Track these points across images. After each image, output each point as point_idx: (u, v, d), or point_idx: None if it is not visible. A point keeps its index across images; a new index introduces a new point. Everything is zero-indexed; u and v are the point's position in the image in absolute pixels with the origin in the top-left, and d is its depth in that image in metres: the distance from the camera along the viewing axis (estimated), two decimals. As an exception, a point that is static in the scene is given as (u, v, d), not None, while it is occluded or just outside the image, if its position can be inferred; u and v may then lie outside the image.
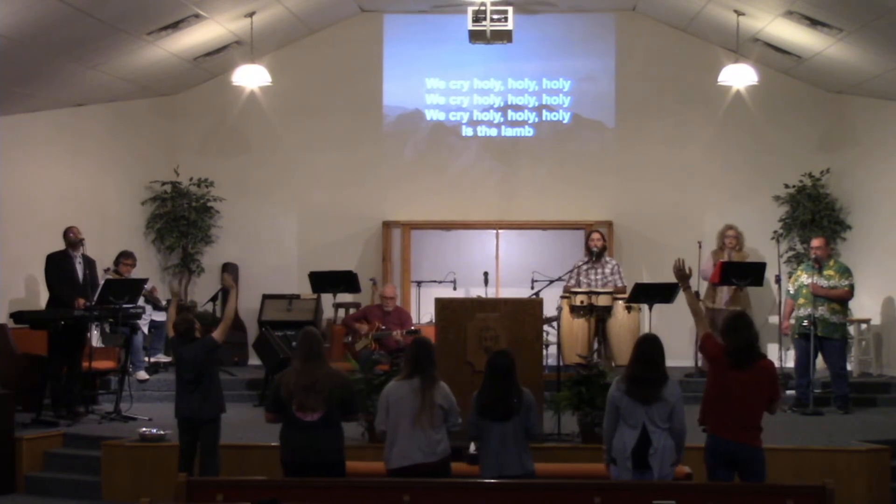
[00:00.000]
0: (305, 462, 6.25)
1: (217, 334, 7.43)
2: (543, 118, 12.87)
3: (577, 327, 10.56)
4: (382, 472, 6.55)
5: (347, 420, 6.54)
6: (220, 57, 11.87)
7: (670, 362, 12.02)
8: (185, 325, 7.44)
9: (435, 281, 11.91)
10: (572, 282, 10.91)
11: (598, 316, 10.44)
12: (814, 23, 10.11)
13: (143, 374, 10.76)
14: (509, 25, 11.13)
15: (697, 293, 10.87)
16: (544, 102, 12.87)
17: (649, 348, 6.18)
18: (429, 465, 6.17)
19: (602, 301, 10.50)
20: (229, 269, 12.59)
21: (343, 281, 11.18)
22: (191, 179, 12.71)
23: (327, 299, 11.67)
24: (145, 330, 10.96)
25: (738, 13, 10.78)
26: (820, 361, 10.11)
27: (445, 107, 12.91)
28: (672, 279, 10.11)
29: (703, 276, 11.06)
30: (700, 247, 11.18)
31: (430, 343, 6.62)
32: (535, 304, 8.46)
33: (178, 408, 7.42)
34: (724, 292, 10.92)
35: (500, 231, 12.76)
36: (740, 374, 6.02)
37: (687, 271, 6.66)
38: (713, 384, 6.19)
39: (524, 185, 12.86)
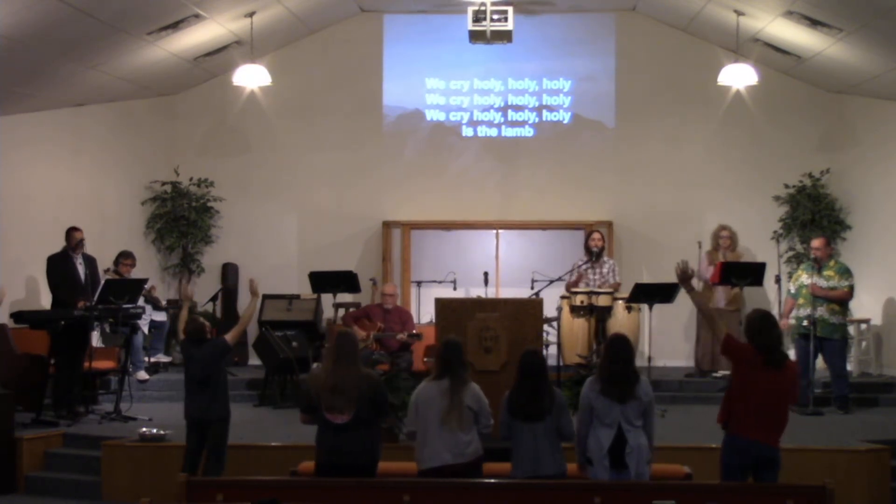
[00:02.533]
0: (337, 464, 6.20)
1: (229, 336, 7.44)
2: (543, 118, 12.87)
3: (577, 327, 10.56)
4: (388, 472, 6.60)
5: (380, 421, 6.49)
6: (220, 57, 11.88)
7: (670, 362, 12.10)
8: (196, 325, 7.45)
9: (435, 281, 11.92)
10: (573, 278, 10.89)
11: (598, 316, 10.44)
12: (814, 23, 10.11)
13: (143, 374, 10.77)
14: (509, 25, 11.13)
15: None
16: (544, 102, 12.86)
17: (621, 348, 6.20)
18: (458, 466, 6.15)
19: (602, 301, 10.50)
20: (229, 269, 12.61)
21: (343, 281, 11.17)
22: (191, 179, 12.71)
23: (327, 299, 11.65)
24: (145, 330, 10.96)
25: (738, 13, 10.78)
26: (820, 361, 10.11)
27: (445, 107, 12.91)
28: (671, 279, 10.21)
29: (699, 276, 11.06)
30: (700, 247, 11.21)
31: (460, 344, 6.54)
32: (535, 304, 8.46)
33: (188, 408, 7.43)
34: (720, 292, 10.92)
35: (500, 231, 12.76)
36: (772, 373, 5.98)
37: (690, 273, 6.64)
38: (740, 384, 6.09)
39: (524, 185, 12.86)
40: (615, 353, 6.18)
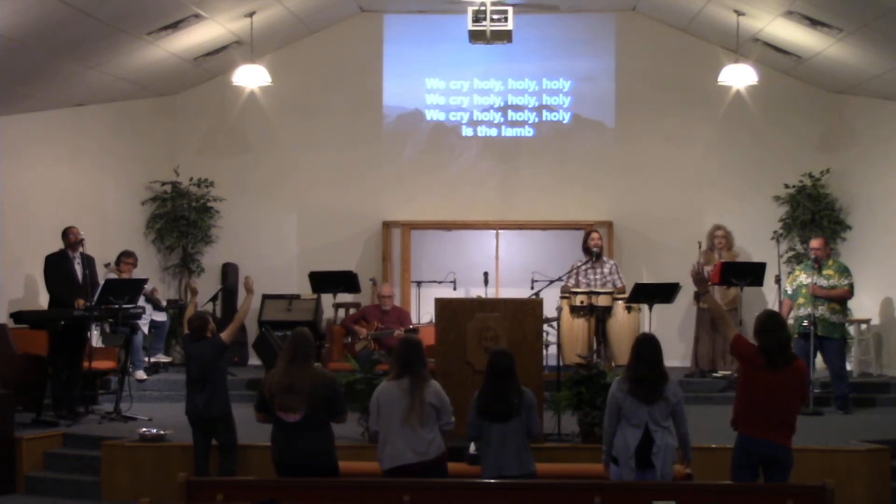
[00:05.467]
0: (292, 463, 6.22)
1: (225, 335, 7.47)
2: (543, 118, 12.87)
3: (577, 327, 10.55)
4: (380, 472, 6.57)
5: (334, 421, 6.44)
6: (220, 57, 11.88)
7: (670, 363, 12.06)
8: (199, 322, 7.45)
9: (435, 281, 11.91)
10: (571, 282, 10.89)
11: (598, 316, 10.43)
12: (814, 23, 10.12)
13: (141, 374, 10.76)
14: (509, 25, 11.12)
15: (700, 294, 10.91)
16: (544, 102, 12.86)
17: (649, 348, 6.20)
18: (422, 464, 6.15)
19: (602, 301, 10.49)
20: (229, 269, 12.60)
21: (343, 281, 11.18)
22: (191, 179, 12.71)
23: (327, 299, 11.67)
24: (145, 330, 10.96)
25: (738, 13, 10.78)
26: (820, 361, 10.11)
27: (445, 107, 12.91)
28: (671, 279, 10.24)
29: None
30: (700, 247, 11.19)
31: (419, 342, 6.54)
32: (535, 304, 8.46)
33: (186, 406, 7.50)
34: (716, 292, 10.89)
35: (500, 231, 12.76)
36: (775, 374, 6.00)
37: (706, 276, 6.66)
38: (746, 384, 6.15)
39: (524, 185, 12.86)
40: (642, 354, 6.17)
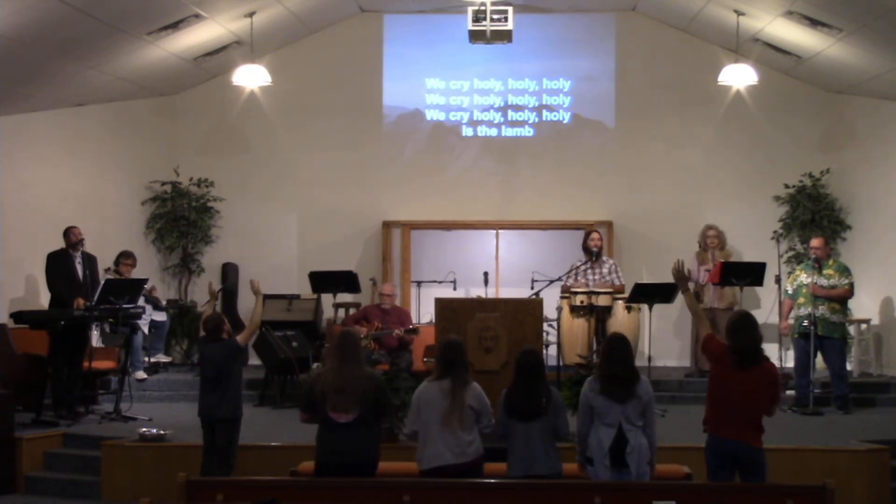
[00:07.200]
0: (338, 464, 6.23)
1: (241, 338, 7.46)
2: (543, 118, 12.87)
3: (577, 327, 10.55)
4: (388, 472, 6.60)
5: (383, 421, 6.52)
6: (220, 57, 11.88)
7: (669, 362, 12.10)
8: (213, 323, 7.45)
9: (435, 281, 11.90)
10: (570, 281, 10.88)
11: (598, 316, 10.43)
12: (814, 23, 10.12)
13: (140, 374, 10.76)
14: (509, 25, 11.11)
15: (698, 294, 10.91)
16: (544, 102, 12.87)
17: (620, 347, 6.22)
18: (460, 465, 6.17)
19: (602, 301, 10.48)
20: (229, 269, 12.61)
21: (343, 281, 11.17)
22: (191, 179, 12.71)
23: (327, 299, 11.66)
24: (145, 330, 10.96)
25: (738, 13, 10.79)
26: (820, 361, 10.11)
27: (445, 107, 12.91)
28: (671, 279, 10.22)
29: (691, 277, 11.03)
30: (699, 248, 11.20)
31: (462, 344, 6.57)
32: (535, 304, 8.45)
33: (199, 407, 7.47)
34: (712, 292, 10.91)
35: (500, 231, 12.76)
36: (744, 374, 5.99)
37: (686, 273, 6.68)
38: (715, 384, 6.17)
39: (524, 185, 12.86)
40: (614, 353, 6.19)
